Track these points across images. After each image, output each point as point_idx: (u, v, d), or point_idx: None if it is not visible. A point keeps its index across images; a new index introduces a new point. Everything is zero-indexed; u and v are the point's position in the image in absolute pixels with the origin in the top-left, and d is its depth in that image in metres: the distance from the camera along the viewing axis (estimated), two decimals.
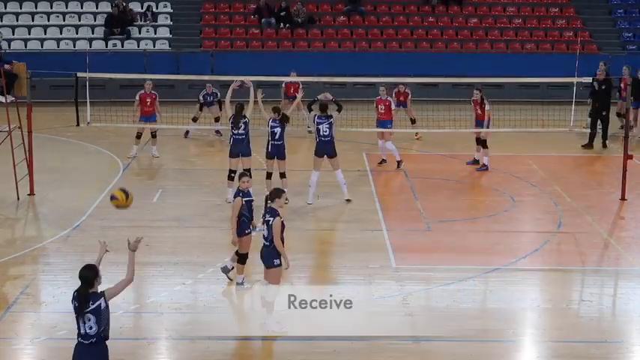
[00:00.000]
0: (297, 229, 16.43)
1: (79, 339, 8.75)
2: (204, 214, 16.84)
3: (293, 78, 23.37)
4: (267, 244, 11.39)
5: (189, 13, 32.69)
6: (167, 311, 12.27)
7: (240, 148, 16.94)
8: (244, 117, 16.84)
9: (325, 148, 17.19)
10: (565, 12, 32.98)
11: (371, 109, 21.38)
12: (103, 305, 8.76)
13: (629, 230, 16.39)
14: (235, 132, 16.90)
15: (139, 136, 21.20)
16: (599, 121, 22.90)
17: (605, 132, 22.81)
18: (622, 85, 23.38)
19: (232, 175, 16.94)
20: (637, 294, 13.27)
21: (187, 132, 23.49)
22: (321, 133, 17.13)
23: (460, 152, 21.59)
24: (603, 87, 22.71)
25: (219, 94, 23.21)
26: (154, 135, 21.23)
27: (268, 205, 11.43)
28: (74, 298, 8.68)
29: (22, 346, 11.10)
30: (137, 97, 21.13)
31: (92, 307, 8.66)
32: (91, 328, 8.74)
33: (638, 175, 19.32)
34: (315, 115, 17.36)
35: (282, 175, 17.00)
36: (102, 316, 8.76)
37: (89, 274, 8.73)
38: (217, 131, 23.44)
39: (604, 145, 22.76)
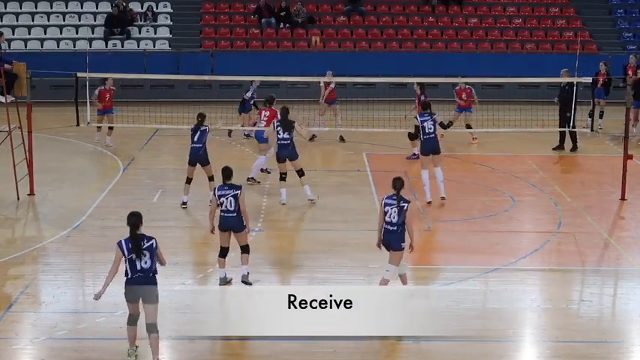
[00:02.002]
0: (297, 229, 16.46)
1: (135, 275, 10.40)
2: (204, 214, 16.82)
3: (328, 78, 23.03)
4: (395, 228, 11.82)
5: (189, 13, 32.70)
6: (167, 311, 12.26)
7: (285, 152, 17.06)
8: (293, 122, 16.95)
9: (432, 145, 17.13)
10: (565, 12, 32.99)
11: (371, 109, 21.39)
12: (154, 245, 10.42)
13: (629, 230, 16.40)
14: (280, 137, 16.94)
15: (99, 129, 22.26)
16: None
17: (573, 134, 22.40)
18: (629, 73, 23.37)
19: (284, 176, 17.16)
20: (637, 294, 13.28)
21: (230, 131, 23.27)
22: (427, 131, 16.99)
23: (460, 152, 21.59)
24: (567, 87, 22.18)
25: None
26: (111, 127, 22.19)
27: (396, 194, 11.87)
28: (126, 243, 10.39)
29: (22, 346, 11.10)
30: (96, 92, 21.70)
31: (147, 244, 10.38)
32: (146, 263, 10.39)
33: (638, 175, 19.31)
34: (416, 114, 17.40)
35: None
36: (154, 254, 10.40)
37: (137, 220, 10.51)
38: (247, 134, 23.13)
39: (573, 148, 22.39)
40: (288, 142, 17.02)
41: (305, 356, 10.85)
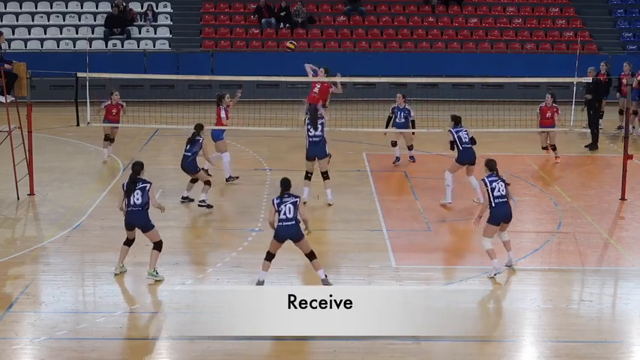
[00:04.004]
0: None
1: (129, 208, 13.06)
2: (204, 213, 16.84)
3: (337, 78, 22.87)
4: (506, 200, 13.41)
5: (189, 13, 32.70)
6: (167, 311, 12.28)
7: (316, 150, 17.06)
8: (322, 117, 16.99)
9: (469, 156, 17.23)
10: (565, 12, 33.00)
11: (370, 109, 21.38)
12: (147, 188, 13.07)
13: (629, 230, 16.40)
14: (312, 134, 16.98)
15: (107, 138, 20.90)
16: (600, 121, 22.96)
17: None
18: (624, 81, 23.35)
19: (310, 175, 17.16)
20: (637, 294, 13.27)
21: None
22: (463, 141, 17.15)
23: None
24: (591, 86, 22.68)
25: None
26: (112, 139, 20.96)
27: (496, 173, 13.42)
28: (126, 184, 13.13)
29: (22, 345, 11.10)
30: (102, 107, 20.63)
31: (140, 186, 13.02)
32: (138, 199, 12.98)
33: (638, 175, 19.32)
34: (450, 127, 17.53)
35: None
36: (145, 193, 13.01)
37: (138, 167, 13.24)
38: None
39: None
40: (319, 139, 17.09)
41: (305, 356, 10.86)
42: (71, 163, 20.80)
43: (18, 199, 17.51)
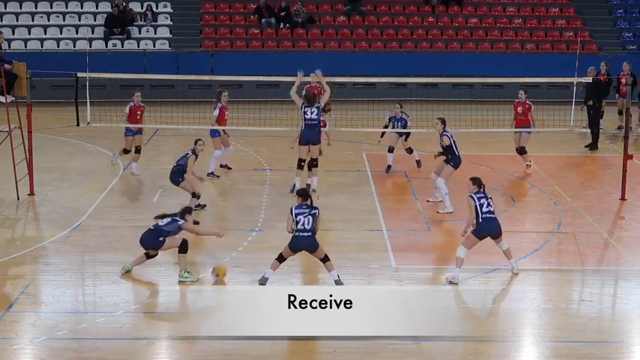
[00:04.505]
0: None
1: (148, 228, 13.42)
2: (204, 213, 16.83)
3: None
4: (495, 216, 13.39)
5: (189, 13, 32.71)
6: (167, 311, 12.27)
7: (310, 134, 17.08)
8: (318, 102, 17.02)
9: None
10: (565, 12, 33.00)
11: (370, 109, 21.38)
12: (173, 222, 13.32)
13: (629, 230, 16.40)
14: (308, 117, 16.97)
15: (126, 152, 20.10)
16: (600, 121, 22.99)
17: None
18: (623, 81, 23.38)
19: (302, 163, 17.07)
20: (637, 294, 13.28)
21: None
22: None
23: (460, 152, 21.52)
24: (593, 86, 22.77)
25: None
26: (138, 150, 20.11)
27: (483, 190, 13.60)
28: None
29: (22, 345, 11.10)
30: (127, 110, 20.00)
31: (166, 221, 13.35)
32: (164, 224, 13.31)
33: (638, 175, 19.32)
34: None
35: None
36: (172, 225, 13.31)
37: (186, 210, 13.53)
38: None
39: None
40: (315, 122, 17.09)
41: (305, 356, 10.86)
42: (71, 163, 20.79)
43: (18, 199, 17.51)
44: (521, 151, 20.22)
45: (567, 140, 22.94)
